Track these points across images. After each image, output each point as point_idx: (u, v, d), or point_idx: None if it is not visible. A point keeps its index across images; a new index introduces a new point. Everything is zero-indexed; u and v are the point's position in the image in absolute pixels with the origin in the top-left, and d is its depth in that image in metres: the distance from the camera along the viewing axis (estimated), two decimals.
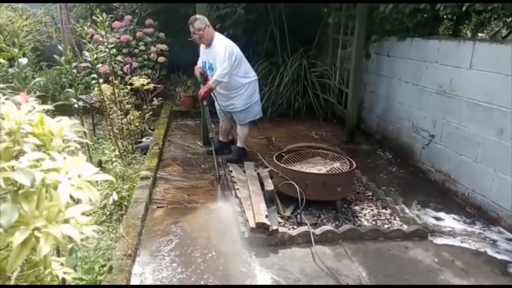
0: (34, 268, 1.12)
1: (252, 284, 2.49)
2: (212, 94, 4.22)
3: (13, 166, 1.07)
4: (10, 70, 3.14)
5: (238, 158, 4.36)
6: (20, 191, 1.06)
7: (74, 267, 1.55)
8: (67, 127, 1.27)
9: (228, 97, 4.25)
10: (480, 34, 5.77)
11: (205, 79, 4.16)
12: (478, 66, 3.54)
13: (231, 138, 4.79)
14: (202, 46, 4.23)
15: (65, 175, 1.12)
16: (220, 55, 3.95)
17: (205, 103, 4.27)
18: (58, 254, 1.42)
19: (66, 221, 1.16)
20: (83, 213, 1.33)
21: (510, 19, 3.70)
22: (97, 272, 2.38)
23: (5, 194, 1.03)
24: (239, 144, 4.48)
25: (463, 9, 3.77)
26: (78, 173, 1.18)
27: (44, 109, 1.28)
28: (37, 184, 1.06)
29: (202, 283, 2.48)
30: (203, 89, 4.09)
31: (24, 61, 2.71)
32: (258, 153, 4.40)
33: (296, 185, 3.22)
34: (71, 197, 1.12)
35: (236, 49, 4.09)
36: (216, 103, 4.37)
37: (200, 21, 3.96)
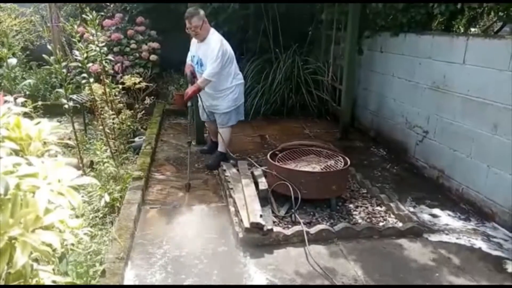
0: (19, 279, 1.08)
1: (248, 284, 2.47)
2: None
3: None
4: None
5: (218, 164, 4.16)
6: None
7: (65, 273, 1.51)
8: (46, 130, 1.21)
9: (213, 97, 4.11)
10: (472, 29, 5.77)
11: (194, 76, 4.04)
12: (472, 61, 3.53)
13: None
14: (194, 39, 4.08)
15: (44, 180, 1.07)
16: (213, 53, 3.80)
17: (189, 104, 4.11)
18: (49, 262, 1.38)
19: (47, 227, 1.11)
20: (76, 216, 1.29)
21: (503, 13, 3.69)
22: (90, 276, 2.34)
23: None
24: (220, 149, 4.30)
25: (458, 6, 3.77)
26: (58, 177, 1.13)
27: (22, 111, 1.23)
28: (12, 191, 1.00)
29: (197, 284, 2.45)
30: (191, 89, 3.94)
31: (13, 61, 2.66)
32: (251, 151, 4.32)
33: (290, 186, 3.20)
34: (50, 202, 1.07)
35: (229, 49, 3.98)
36: (199, 102, 4.20)
37: (197, 17, 3.80)
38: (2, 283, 0.98)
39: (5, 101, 1.34)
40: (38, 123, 1.23)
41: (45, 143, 1.21)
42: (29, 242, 0.98)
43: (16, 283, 1.05)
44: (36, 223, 1.04)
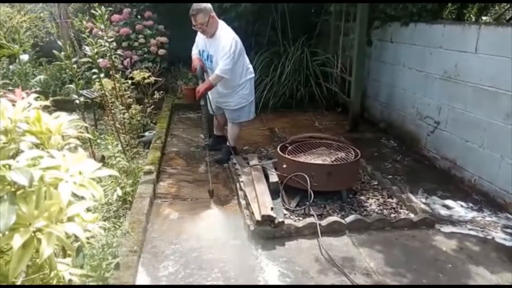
0: (39, 271, 1.10)
1: (260, 276, 2.48)
2: None
3: (9, 166, 1.03)
4: (11, 67, 3.10)
5: (227, 158, 4.14)
6: (18, 192, 1.03)
7: (81, 266, 1.53)
8: (65, 124, 1.23)
9: (223, 94, 3.99)
10: (484, 18, 5.68)
11: (204, 71, 3.94)
12: (484, 50, 3.48)
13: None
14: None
15: (66, 172, 1.09)
16: (225, 50, 3.63)
17: (202, 102, 3.92)
18: (65, 255, 1.40)
19: (69, 219, 1.14)
20: (89, 210, 1.31)
21: None
22: (104, 269, 2.37)
23: (2, 196, 1.00)
24: (229, 143, 4.27)
25: None
26: (80, 170, 1.15)
27: (41, 106, 1.25)
28: (36, 183, 1.02)
29: (209, 278, 2.47)
30: (203, 86, 3.80)
31: (25, 57, 2.68)
32: (261, 144, 4.26)
33: (302, 178, 3.19)
34: (73, 194, 1.10)
35: (239, 43, 3.80)
36: (208, 96, 4.09)
37: (203, 14, 3.59)
38: (23, 275, 1.00)
39: (22, 97, 1.36)
40: (58, 117, 1.25)
41: (63, 136, 1.23)
42: (54, 234, 1.00)
43: (36, 276, 1.08)
44: (60, 215, 1.06)
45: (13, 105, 1.19)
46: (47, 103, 1.37)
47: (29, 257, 0.99)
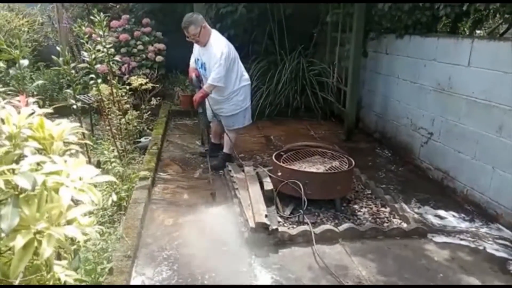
0: (36, 272, 1.12)
1: (254, 283, 2.49)
2: None
3: (13, 170, 1.07)
4: (11, 71, 3.13)
5: (223, 165, 4.19)
6: (22, 195, 1.06)
7: (76, 269, 1.55)
8: (67, 130, 1.27)
9: (217, 101, 4.06)
10: (478, 31, 5.78)
11: (200, 80, 4.03)
12: (477, 63, 3.54)
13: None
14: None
15: (67, 177, 1.12)
16: (216, 58, 3.74)
17: (200, 110, 4.05)
18: (59, 258, 1.42)
19: (69, 222, 1.17)
20: (84, 215, 1.33)
21: (510, 15, 3.70)
22: (98, 273, 2.37)
23: (6, 199, 1.03)
24: (225, 150, 4.30)
25: (464, 8, 3.78)
26: (80, 175, 1.18)
27: (44, 113, 1.28)
28: (38, 187, 1.06)
29: (203, 284, 2.48)
30: (198, 94, 3.91)
31: (25, 62, 2.70)
32: (257, 151, 4.28)
33: (296, 186, 3.22)
34: (71, 199, 1.13)
35: (232, 51, 3.90)
36: (206, 104, 4.16)
37: (194, 26, 3.72)
38: (21, 275, 1.03)
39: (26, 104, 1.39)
40: (59, 124, 1.28)
41: (64, 142, 1.27)
42: (54, 235, 1.03)
43: (33, 276, 1.10)
44: (60, 218, 1.09)
45: (18, 112, 1.22)
46: (50, 110, 1.41)
47: (29, 257, 1.02)
